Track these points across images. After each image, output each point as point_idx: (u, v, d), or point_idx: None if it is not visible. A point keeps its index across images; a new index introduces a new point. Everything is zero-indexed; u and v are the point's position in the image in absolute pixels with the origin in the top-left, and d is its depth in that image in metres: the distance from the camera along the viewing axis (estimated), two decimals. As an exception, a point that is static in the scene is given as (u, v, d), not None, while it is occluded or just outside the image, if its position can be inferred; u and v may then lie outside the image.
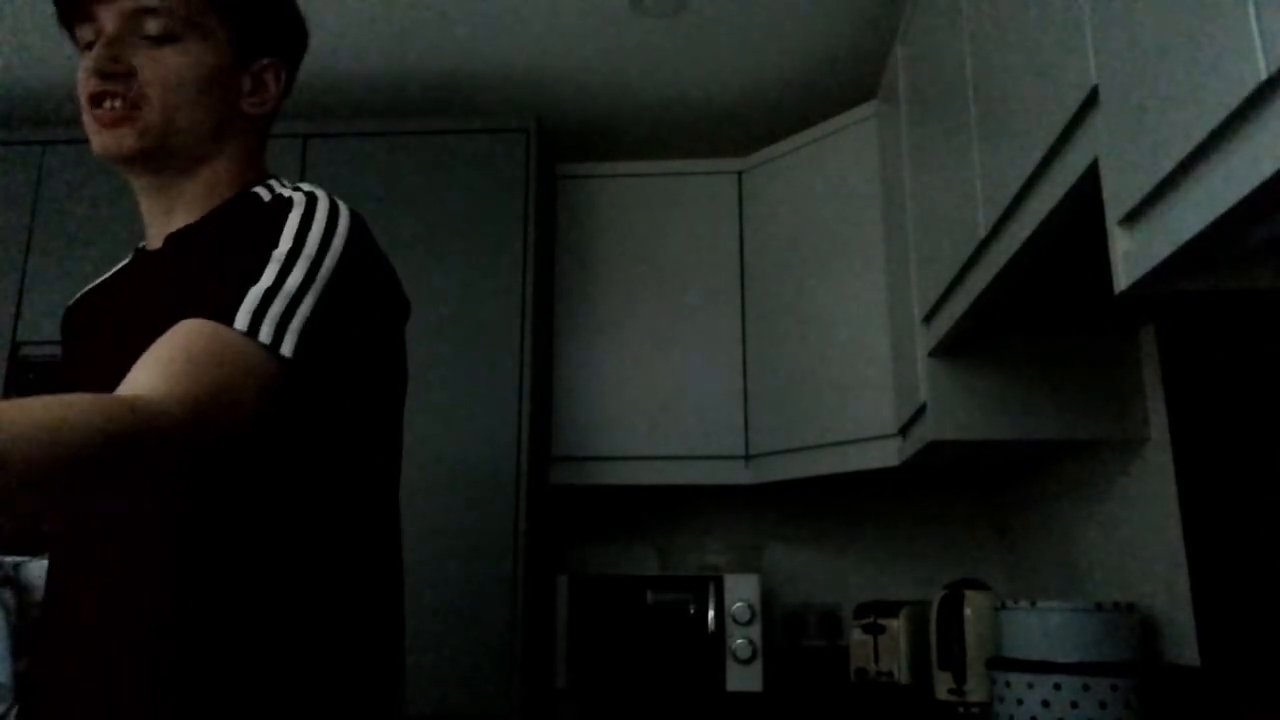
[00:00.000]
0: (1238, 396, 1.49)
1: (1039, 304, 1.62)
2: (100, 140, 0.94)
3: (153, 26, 0.93)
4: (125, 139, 0.93)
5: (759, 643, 2.30)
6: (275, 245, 0.88)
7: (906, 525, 2.67)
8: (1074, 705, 1.57)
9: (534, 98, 2.54)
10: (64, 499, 0.77)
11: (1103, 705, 1.56)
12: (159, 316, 0.87)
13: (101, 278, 1.10)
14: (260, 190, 1.01)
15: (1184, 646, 1.63)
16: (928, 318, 1.89)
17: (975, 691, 1.94)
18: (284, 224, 0.90)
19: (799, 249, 2.49)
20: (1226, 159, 0.80)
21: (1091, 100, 1.06)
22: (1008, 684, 1.65)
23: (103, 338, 0.97)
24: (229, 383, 0.81)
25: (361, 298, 0.94)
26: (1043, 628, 1.65)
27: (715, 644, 2.31)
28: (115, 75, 0.92)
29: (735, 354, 2.57)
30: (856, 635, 2.30)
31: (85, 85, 0.93)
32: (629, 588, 2.38)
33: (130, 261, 1.08)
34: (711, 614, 2.34)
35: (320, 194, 0.96)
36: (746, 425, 2.52)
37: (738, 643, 2.29)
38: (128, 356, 0.85)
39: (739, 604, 2.32)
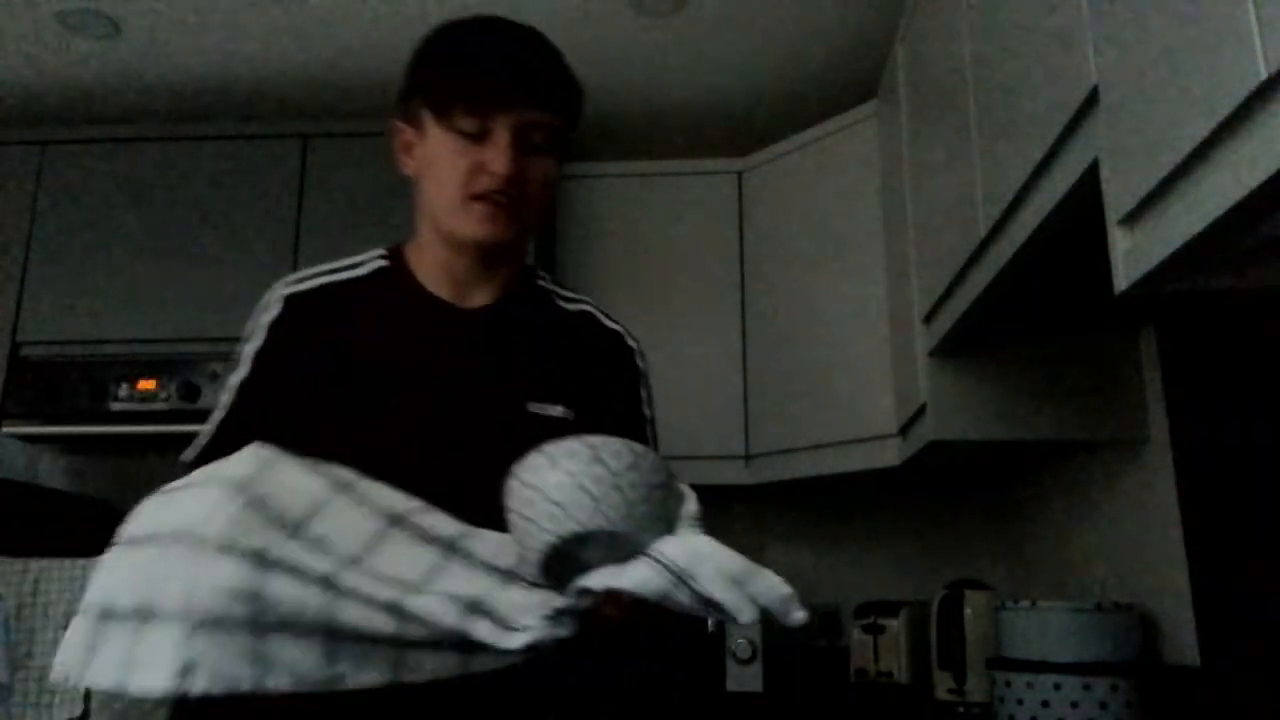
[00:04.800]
0: (1238, 396, 1.49)
1: (1039, 304, 1.62)
2: (485, 228, 1.04)
3: (538, 139, 1.04)
4: (508, 230, 1.05)
5: (759, 643, 2.30)
6: (650, 412, 1.19)
7: (906, 525, 2.67)
8: (1074, 705, 1.57)
9: (534, 98, 2.54)
10: None
11: (1103, 705, 1.56)
12: (492, 389, 1.04)
13: (334, 274, 1.10)
14: (547, 286, 1.17)
15: (1184, 646, 1.63)
16: (928, 318, 1.89)
17: (975, 691, 1.94)
18: (648, 388, 1.19)
19: (799, 249, 2.48)
20: (1227, 159, 0.80)
21: (1091, 100, 1.06)
22: (1008, 684, 1.65)
23: (400, 366, 1.04)
24: None
25: None
26: (1043, 628, 1.65)
27: (715, 644, 2.31)
28: (515, 179, 1.03)
29: (735, 354, 2.56)
30: (856, 635, 2.30)
31: (473, 178, 1.03)
32: (629, 588, 2.38)
33: (390, 281, 1.10)
34: (711, 614, 2.33)
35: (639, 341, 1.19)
36: (746, 425, 2.51)
37: (738, 643, 2.29)
38: (466, 403, 1.01)
39: (739, 604, 2.32)
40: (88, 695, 1.96)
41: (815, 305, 2.41)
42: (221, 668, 0.71)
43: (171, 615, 0.72)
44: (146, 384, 2.37)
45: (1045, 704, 1.59)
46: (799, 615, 0.77)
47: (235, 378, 1.05)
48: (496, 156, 1.01)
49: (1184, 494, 1.65)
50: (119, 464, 2.57)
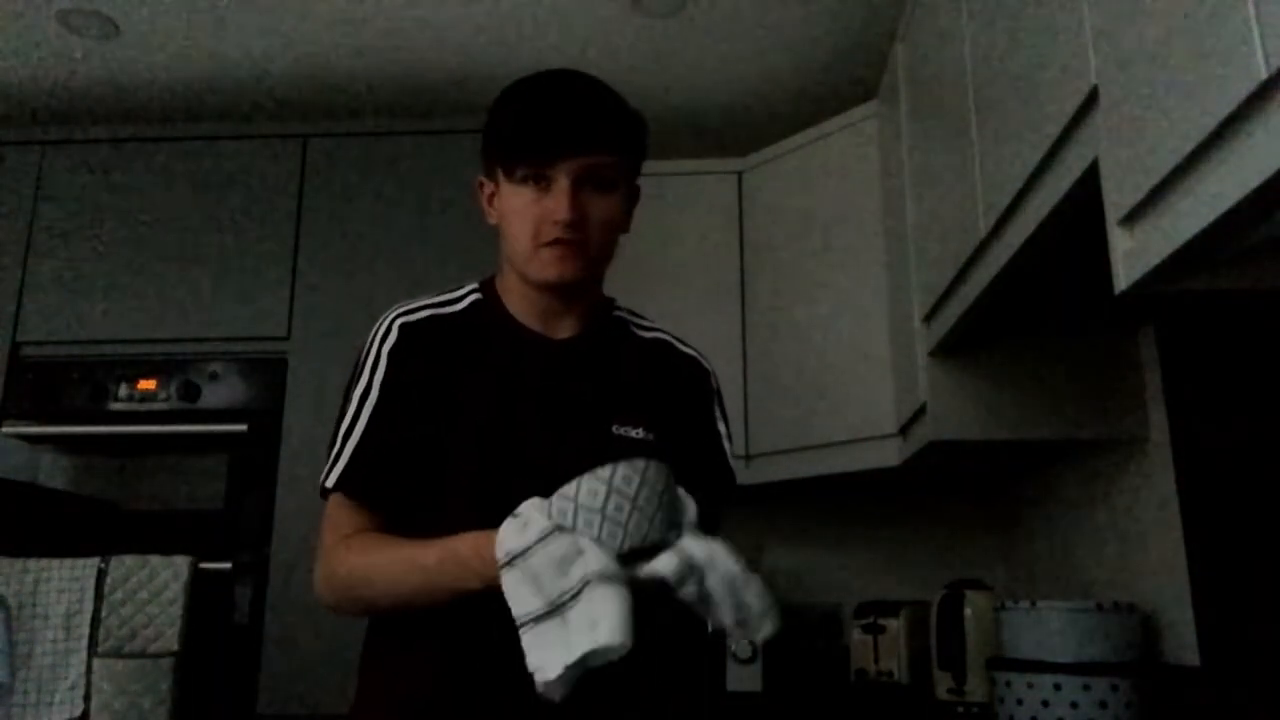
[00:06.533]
0: (1238, 396, 1.49)
1: (1039, 304, 1.62)
2: (555, 269, 1.13)
3: (599, 180, 1.12)
4: (575, 270, 1.13)
5: (759, 643, 2.30)
6: (724, 428, 1.27)
7: (906, 525, 2.67)
8: (1074, 705, 1.57)
9: (534, 98, 2.54)
10: None
11: (1103, 705, 1.56)
12: (581, 413, 1.14)
13: (438, 307, 1.20)
14: (624, 316, 1.28)
15: (1184, 646, 1.63)
16: (928, 318, 1.89)
17: (975, 691, 1.94)
18: (721, 405, 1.27)
19: (799, 249, 2.48)
20: (1227, 159, 0.80)
21: (1091, 100, 1.06)
22: (1008, 684, 1.65)
23: (500, 392, 1.14)
24: None
25: None
26: (1043, 628, 1.65)
27: (715, 644, 2.31)
28: (575, 224, 1.11)
29: (735, 354, 2.56)
30: (856, 635, 2.30)
31: (541, 227, 1.11)
32: (629, 588, 2.38)
33: (487, 314, 1.20)
34: (711, 614, 2.33)
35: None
36: (746, 425, 2.51)
37: (738, 642, 2.29)
38: (557, 424, 1.11)
39: (739, 604, 2.31)
40: (88, 695, 1.96)
41: (815, 305, 2.41)
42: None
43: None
44: (146, 384, 2.37)
45: (1045, 704, 1.59)
46: (766, 629, 0.99)
47: (366, 405, 1.12)
48: (557, 204, 1.10)
49: (1184, 494, 1.65)
50: (119, 464, 2.56)
